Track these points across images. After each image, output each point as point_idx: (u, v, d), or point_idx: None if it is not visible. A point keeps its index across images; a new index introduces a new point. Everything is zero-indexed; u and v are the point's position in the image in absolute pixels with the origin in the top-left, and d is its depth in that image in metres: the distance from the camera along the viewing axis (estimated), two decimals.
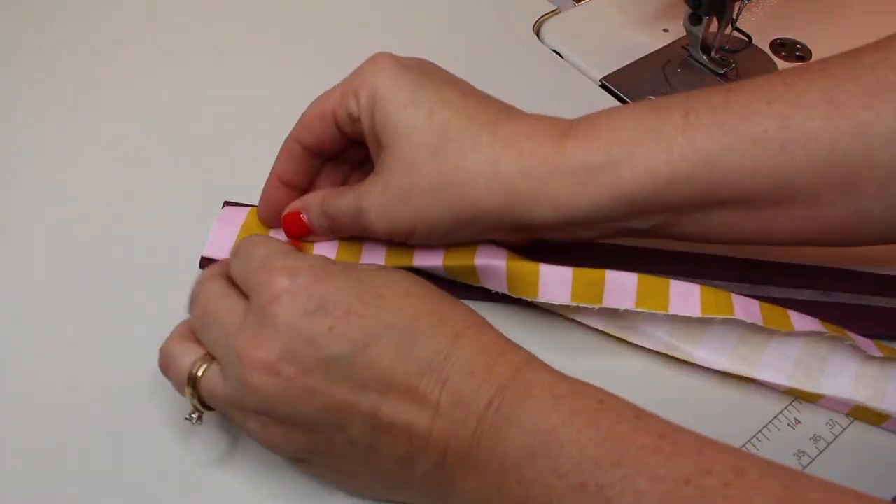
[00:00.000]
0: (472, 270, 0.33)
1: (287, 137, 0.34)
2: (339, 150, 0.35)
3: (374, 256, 0.34)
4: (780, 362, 0.33)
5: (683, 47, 0.50)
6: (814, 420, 0.33)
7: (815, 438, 0.33)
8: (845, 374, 0.33)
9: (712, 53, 0.48)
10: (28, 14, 0.49)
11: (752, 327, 0.33)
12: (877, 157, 0.28)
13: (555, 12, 0.52)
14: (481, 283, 0.34)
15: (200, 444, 0.32)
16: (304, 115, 0.34)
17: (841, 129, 0.28)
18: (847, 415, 0.33)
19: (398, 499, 0.30)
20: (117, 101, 0.45)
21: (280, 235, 0.36)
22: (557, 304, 0.33)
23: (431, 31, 0.50)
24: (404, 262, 0.34)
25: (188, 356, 0.29)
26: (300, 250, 0.34)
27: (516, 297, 0.34)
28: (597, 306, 0.33)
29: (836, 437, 0.33)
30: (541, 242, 0.34)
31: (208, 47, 0.48)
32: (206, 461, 0.32)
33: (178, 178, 0.41)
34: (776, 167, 0.29)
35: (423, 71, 0.32)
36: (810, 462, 0.32)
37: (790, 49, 0.50)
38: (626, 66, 0.49)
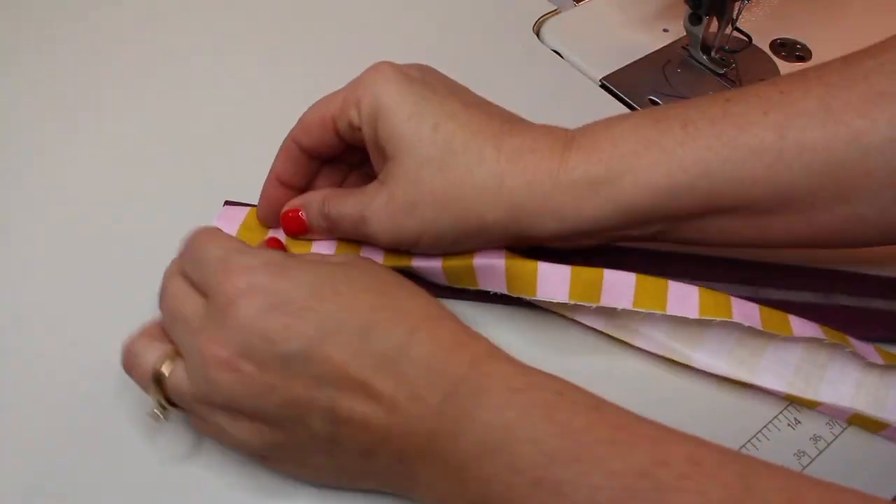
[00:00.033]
0: (471, 270, 0.33)
1: (286, 138, 0.34)
2: (338, 153, 0.35)
3: (374, 257, 0.34)
4: (778, 368, 0.33)
5: (683, 47, 0.50)
6: (814, 420, 0.33)
7: (815, 438, 0.33)
8: (845, 381, 0.32)
9: (712, 53, 0.48)
10: (28, 14, 0.50)
11: (751, 331, 0.33)
12: (871, 164, 0.29)
13: (555, 12, 0.52)
14: (479, 283, 0.34)
15: (204, 446, 0.32)
16: (303, 118, 0.34)
17: (837, 137, 0.29)
18: (846, 422, 0.33)
19: (365, 489, 0.30)
20: (117, 101, 0.45)
21: (279, 235, 0.36)
22: (555, 301, 0.33)
23: (431, 31, 0.50)
24: (403, 262, 0.34)
25: (153, 353, 0.29)
26: (281, 249, 0.35)
27: (515, 296, 0.34)
28: (594, 305, 0.33)
29: (836, 437, 0.33)
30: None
31: (208, 47, 0.48)
32: (205, 460, 0.32)
33: (178, 178, 0.41)
34: (773, 176, 0.29)
35: (426, 81, 0.32)
36: (810, 462, 0.32)
37: (790, 49, 0.50)
38: (626, 66, 0.49)
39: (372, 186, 0.32)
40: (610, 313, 0.34)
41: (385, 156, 0.32)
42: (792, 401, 0.33)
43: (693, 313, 0.32)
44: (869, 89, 0.29)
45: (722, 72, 0.48)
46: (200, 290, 0.29)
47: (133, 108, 0.44)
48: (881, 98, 0.29)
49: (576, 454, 0.24)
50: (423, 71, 0.33)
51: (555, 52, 0.50)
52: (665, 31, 0.51)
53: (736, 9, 0.45)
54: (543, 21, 0.52)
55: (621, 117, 0.32)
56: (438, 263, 0.33)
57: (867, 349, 0.33)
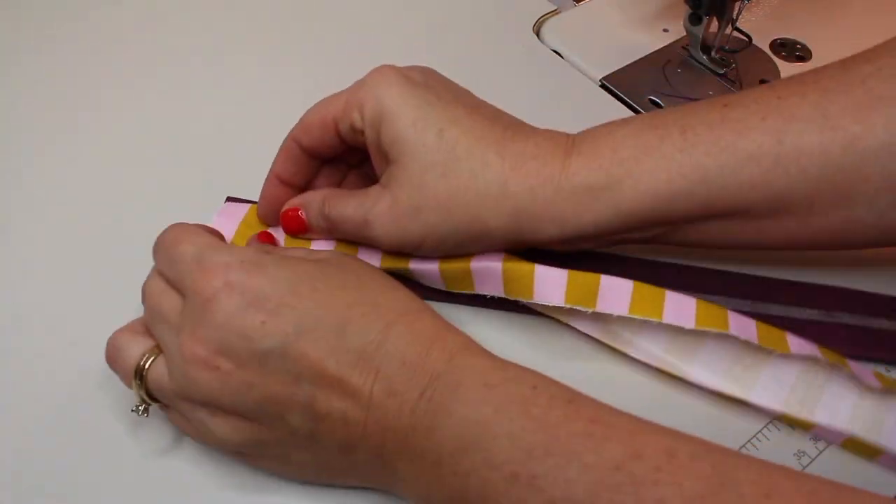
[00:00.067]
0: (468, 272, 0.33)
1: (286, 138, 0.34)
2: (338, 153, 0.35)
3: (371, 258, 0.34)
4: (774, 387, 0.32)
5: (683, 47, 0.50)
6: None
7: (816, 438, 0.33)
8: (842, 404, 0.32)
9: (712, 53, 0.48)
10: (28, 14, 0.50)
11: (748, 348, 0.32)
12: (868, 169, 0.29)
13: (555, 12, 0.52)
14: (476, 286, 0.34)
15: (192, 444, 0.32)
16: (304, 118, 0.34)
17: (833, 142, 0.29)
18: (841, 445, 0.32)
19: (347, 484, 0.30)
20: (117, 100, 0.45)
21: (279, 233, 0.36)
22: (551, 305, 0.33)
23: (431, 31, 0.50)
24: (400, 264, 0.34)
25: (136, 348, 0.29)
26: (272, 243, 0.35)
27: (512, 299, 0.34)
28: (590, 310, 0.32)
29: None
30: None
31: (208, 47, 0.48)
32: (188, 454, 0.32)
33: (178, 178, 0.41)
34: (771, 181, 0.30)
35: (429, 86, 0.32)
36: (810, 462, 0.32)
37: (790, 49, 0.50)
38: (626, 66, 0.49)
39: (374, 189, 0.32)
40: (605, 322, 0.34)
41: (388, 159, 0.32)
42: (786, 421, 0.33)
43: (689, 323, 0.31)
44: (866, 94, 0.29)
45: (722, 72, 0.48)
46: (176, 288, 0.29)
47: (133, 107, 0.44)
48: (878, 102, 0.29)
49: (551, 448, 0.24)
50: (426, 75, 0.33)
51: (555, 52, 0.50)
52: (665, 31, 0.51)
53: (736, 9, 0.45)
54: (543, 21, 0.52)
55: (622, 122, 0.32)
56: (436, 266, 0.33)
57: (865, 373, 0.32)
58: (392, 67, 0.32)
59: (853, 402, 0.32)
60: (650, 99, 0.47)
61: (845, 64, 0.31)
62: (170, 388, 0.28)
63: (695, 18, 0.46)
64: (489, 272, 0.33)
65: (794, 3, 0.53)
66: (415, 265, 0.34)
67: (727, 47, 0.48)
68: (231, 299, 0.27)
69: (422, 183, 0.31)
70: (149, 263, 0.32)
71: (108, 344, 0.30)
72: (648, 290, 0.32)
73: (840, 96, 0.30)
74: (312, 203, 0.34)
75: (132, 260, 0.34)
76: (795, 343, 0.32)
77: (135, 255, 0.36)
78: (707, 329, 0.31)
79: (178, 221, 0.32)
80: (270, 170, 0.35)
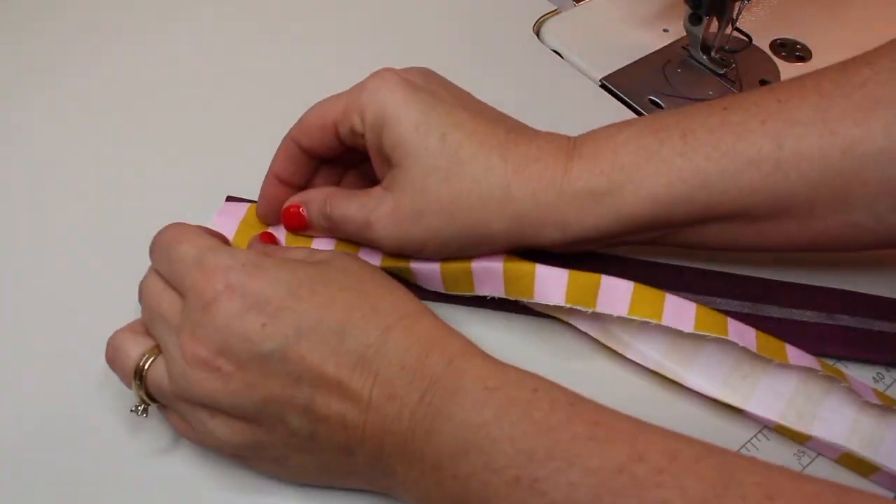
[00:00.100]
0: (469, 272, 0.33)
1: (285, 137, 0.34)
2: (337, 154, 0.35)
3: (372, 257, 0.34)
4: (771, 398, 0.32)
5: (683, 47, 0.50)
6: None
7: (811, 452, 0.33)
8: (840, 419, 0.32)
9: (712, 53, 0.48)
10: (29, 13, 0.50)
11: (747, 357, 0.32)
12: (867, 173, 0.29)
13: (555, 12, 0.52)
14: (476, 286, 0.34)
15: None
16: (303, 119, 0.34)
17: (833, 146, 0.29)
18: (836, 461, 0.32)
19: (346, 487, 0.30)
20: (116, 100, 0.45)
21: (279, 232, 0.36)
22: (551, 304, 0.33)
23: (431, 31, 0.50)
24: (401, 264, 0.34)
25: (136, 348, 0.29)
26: (274, 243, 0.35)
27: (512, 299, 0.34)
28: (590, 310, 0.32)
29: None
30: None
31: (209, 45, 0.48)
32: (187, 455, 0.32)
33: (178, 177, 0.41)
34: (771, 185, 0.30)
35: (430, 90, 0.32)
36: (811, 462, 0.32)
37: (790, 49, 0.50)
38: (626, 66, 0.49)
39: (376, 191, 0.32)
40: (604, 323, 0.34)
41: (390, 163, 0.32)
42: (782, 432, 0.33)
43: (688, 327, 0.31)
44: (865, 98, 0.30)
45: (722, 72, 0.48)
46: (175, 288, 0.29)
47: (132, 106, 0.44)
48: (877, 106, 0.29)
49: (553, 451, 0.24)
50: (427, 78, 0.33)
51: (555, 52, 0.50)
52: (665, 31, 0.51)
53: (736, 9, 0.45)
54: (543, 21, 0.52)
55: (623, 125, 0.33)
56: (437, 265, 0.33)
57: (864, 388, 0.32)
58: (392, 71, 0.32)
59: (852, 417, 0.32)
60: (650, 99, 0.47)
61: (845, 67, 0.31)
62: (170, 388, 0.28)
63: (695, 18, 0.46)
64: (490, 272, 0.33)
65: (794, 3, 0.53)
66: (415, 264, 0.34)
67: (727, 47, 0.48)
68: (232, 302, 0.27)
69: (425, 187, 0.31)
70: (148, 263, 0.32)
71: (107, 344, 0.30)
72: (649, 291, 0.32)
73: (839, 100, 0.30)
74: (314, 201, 0.34)
75: (132, 259, 0.34)
76: (794, 354, 0.32)
77: (135, 254, 0.36)
78: (705, 333, 0.31)
79: (177, 221, 0.32)
80: (269, 169, 0.35)
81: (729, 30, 0.47)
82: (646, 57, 0.49)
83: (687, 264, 0.37)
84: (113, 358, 0.30)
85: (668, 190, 0.31)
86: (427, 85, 0.32)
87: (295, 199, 0.35)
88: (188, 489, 0.31)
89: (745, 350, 0.32)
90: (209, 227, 0.36)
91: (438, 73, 0.34)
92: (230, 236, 0.36)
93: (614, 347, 0.34)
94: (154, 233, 0.32)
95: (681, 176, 0.30)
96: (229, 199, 0.38)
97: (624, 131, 0.32)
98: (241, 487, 0.31)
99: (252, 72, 0.47)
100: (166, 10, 0.50)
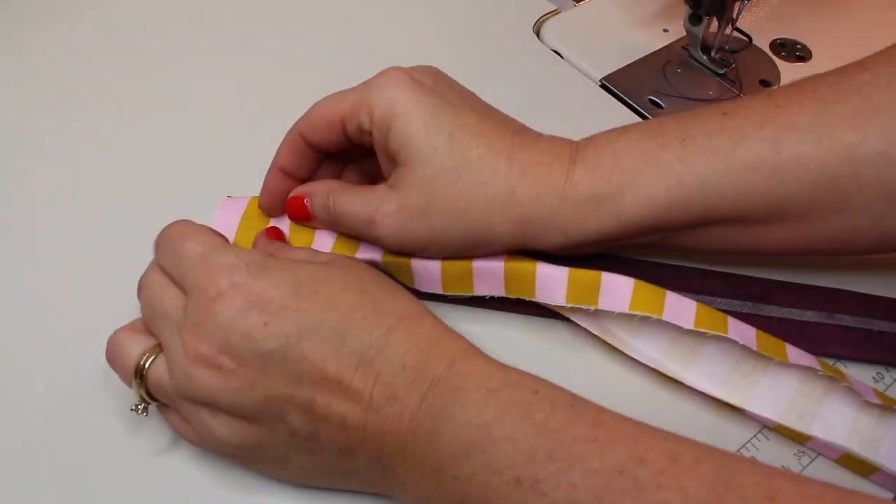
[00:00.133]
0: (469, 271, 0.33)
1: (290, 130, 0.34)
2: (342, 149, 0.35)
3: (372, 252, 0.34)
4: (771, 398, 0.32)
5: (683, 47, 0.50)
6: None
7: (811, 452, 0.33)
8: (840, 419, 0.32)
9: (712, 53, 0.48)
10: (29, 14, 0.50)
11: (747, 357, 0.32)
12: (863, 177, 0.30)
13: (555, 12, 0.52)
14: (476, 285, 0.34)
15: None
16: (310, 114, 0.34)
17: (830, 151, 0.30)
18: (835, 461, 0.32)
19: (347, 488, 0.30)
20: (116, 100, 0.45)
21: (282, 224, 0.36)
22: (553, 304, 0.33)
23: (431, 31, 0.50)
24: (401, 260, 0.34)
25: (137, 347, 0.30)
26: (281, 239, 0.35)
27: (513, 298, 0.34)
28: (592, 307, 0.33)
29: None
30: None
31: (210, 44, 0.48)
32: (188, 453, 0.32)
33: (178, 177, 0.41)
34: (768, 190, 0.31)
35: (438, 90, 0.32)
36: (811, 462, 0.32)
37: (790, 49, 0.50)
38: (626, 66, 0.49)
39: (381, 189, 0.33)
40: (604, 321, 0.34)
41: (396, 161, 0.32)
42: (782, 432, 0.33)
43: (688, 323, 0.32)
44: (863, 103, 0.30)
45: (722, 72, 0.48)
46: (179, 285, 0.30)
47: (132, 106, 0.44)
48: (874, 112, 0.30)
49: (554, 453, 0.24)
50: (435, 78, 0.33)
51: (555, 52, 0.50)
52: (665, 31, 0.51)
53: (736, 9, 0.45)
54: (543, 21, 0.52)
55: (624, 130, 0.33)
56: (437, 263, 0.33)
57: (865, 388, 0.32)
58: (401, 70, 0.32)
59: (852, 417, 0.32)
60: (650, 99, 0.47)
61: (843, 72, 0.31)
62: (171, 386, 0.29)
63: (695, 18, 0.46)
64: (490, 271, 0.33)
65: (794, 3, 0.53)
66: (416, 261, 0.34)
67: (727, 47, 0.48)
68: (235, 300, 0.27)
69: (431, 187, 0.31)
70: (149, 262, 0.32)
71: (108, 342, 0.30)
72: (649, 288, 0.33)
73: (837, 105, 0.30)
74: (318, 194, 0.34)
75: (132, 258, 0.34)
76: (794, 354, 0.32)
77: (135, 253, 0.36)
78: (705, 331, 0.31)
79: (183, 220, 0.32)
80: (273, 162, 0.35)
81: (729, 30, 0.47)
82: (646, 57, 0.49)
83: (687, 264, 0.37)
84: (113, 357, 0.30)
85: (668, 194, 0.31)
86: (436, 85, 0.32)
87: (299, 189, 0.35)
88: (188, 489, 0.31)
89: (745, 349, 0.32)
90: (212, 221, 0.36)
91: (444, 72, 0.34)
92: (233, 230, 0.36)
93: (614, 345, 0.34)
94: (154, 231, 0.32)
95: (679, 181, 0.31)
96: (229, 198, 0.38)
97: (625, 136, 0.32)
98: (241, 487, 0.31)
99: (252, 71, 0.47)
100: (167, 9, 0.50)
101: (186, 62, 0.47)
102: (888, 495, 0.31)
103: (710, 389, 0.33)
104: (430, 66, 0.34)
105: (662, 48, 0.50)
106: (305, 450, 0.28)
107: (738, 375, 0.33)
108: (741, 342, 0.31)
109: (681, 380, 0.33)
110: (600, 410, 0.26)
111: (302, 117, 0.34)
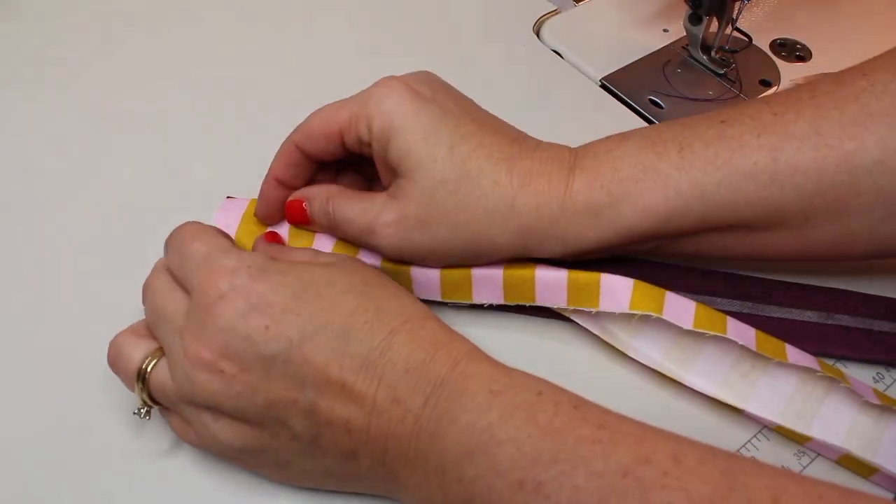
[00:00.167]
0: (468, 279, 0.33)
1: (286, 141, 0.34)
2: (338, 159, 0.35)
3: (371, 259, 0.34)
4: (771, 398, 0.32)
5: (683, 47, 0.50)
6: None
7: (811, 453, 0.33)
8: (839, 420, 0.32)
9: (712, 53, 0.48)
10: (29, 14, 0.50)
11: (747, 357, 0.32)
12: (861, 185, 0.30)
13: (555, 12, 0.52)
14: (475, 293, 0.34)
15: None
16: (307, 126, 0.34)
17: (827, 159, 0.30)
18: (836, 462, 0.32)
19: (349, 490, 0.30)
20: (117, 101, 0.45)
21: (281, 230, 0.36)
22: (554, 307, 0.33)
23: (431, 31, 0.50)
24: (400, 268, 0.34)
25: (139, 351, 0.30)
26: (279, 243, 0.35)
27: (513, 304, 0.34)
28: (594, 310, 0.33)
29: None
30: None
31: (210, 44, 0.48)
32: (190, 456, 0.32)
33: (178, 179, 0.41)
34: (766, 198, 0.31)
35: (437, 100, 0.32)
36: (810, 462, 0.32)
37: (790, 49, 0.50)
38: (626, 66, 0.49)
39: (381, 198, 0.33)
40: (605, 322, 0.34)
41: (396, 173, 0.32)
42: (782, 433, 0.33)
43: (687, 323, 0.32)
44: (860, 111, 0.30)
45: (722, 72, 0.48)
46: (183, 285, 0.30)
47: (133, 107, 0.44)
48: (870, 120, 0.30)
49: (557, 455, 0.24)
50: (432, 87, 0.33)
51: (555, 52, 0.50)
52: (665, 31, 0.51)
53: (736, 9, 0.45)
54: (543, 21, 0.52)
55: (622, 137, 0.33)
56: (436, 272, 0.34)
57: (865, 388, 0.32)
58: (399, 80, 0.32)
59: (852, 417, 0.32)
60: (650, 99, 0.47)
61: (841, 78, 0.32)
62: (172, 390, 0.29)
63: (695, 18, 0.46)
64: (489, 278, 0.33)
65: (794, 3, 0.53)
66: (415, 269, 0.34)
67: (727, 47, 0.48)
68: (235, 304, 0.27)
69: (431, 198, 0.31)
70: (149, 264, 0.32)
71: (109, 347, 0.30)
72: (649, 288, 0.33)
73: (834, 112, 0.30)
74: (317, 198, 0.34)
75: (133, 261, 0.34)
76: (794, 354, 0.32)
77: (136, 256, 0.36)
78: (704, 331, 0.31)
79: (174, 221, 0.32)
80: (269, 171, 0.35)
81: (729, 30, 0.47)
82: (646, 57, 0.49)
83: (686, 264, 0.37)
84: (115, 361, 0.30)
85: (666, 203, 0.31)
86: (434, 94, 0.32)
87: (299, 193, 0.35)
88: (189, 491, 0.31)
89: (744, 349, 0.32)
90: (211, 223, 0.36)
91: (439, 72, 0.34)
92: (232, 232, 0.36)
93: (614, 345, 0.34)
94: (154, 234, 0.32)
95: (678, 189, 0.31)
96: (229, 199, 0.38)
97: (623, 145, 0.32)
98: (243, 490, 0.31)
99: (252, 71, 0.47)
100: (167, 10, 0.50)
101: (187, 63, 0.47)
102: (888, 496, 0.31)
103: (709, 389, 0.33)
104: (427, 73, 0.34)
105: (662, 48, 0.50)
106: (308, 453, 0.28)
107: (737, 375, 0.33)
108: (740, 342, 0.31)
109: (680, 380, 0.33)
110: (604, 412, 0.26)
111: (298, 128, 0.34)
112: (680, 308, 0.32)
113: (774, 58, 0.50)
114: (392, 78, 0.32)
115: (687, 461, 0.24)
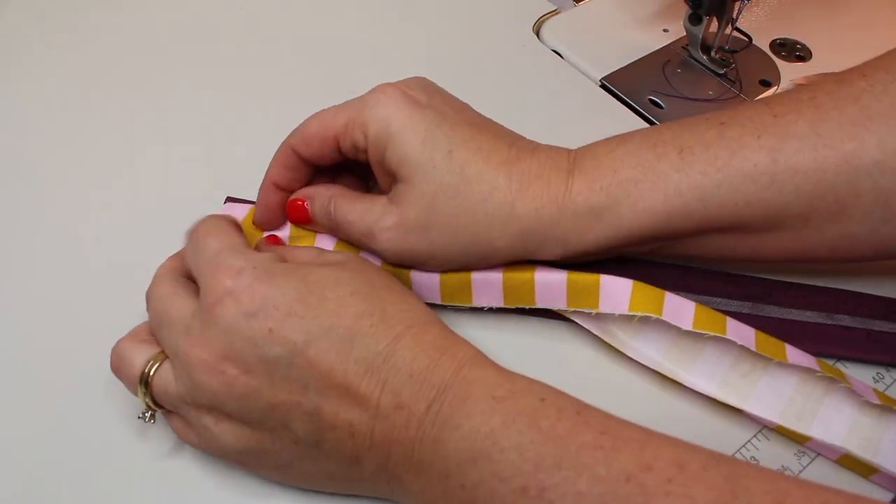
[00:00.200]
0: (468, 282, 0.33)
1: (282, 145, 0.34)
2: (335, 163, 0.35)
3: (372, 261, 0.34)
4: (771, 398, 0.32)
5: (683, 47, 0.50)
6: None
7: (810, 453, 0.33)
8: (839, 420, 0.32)
9: (712, 53, 0.48)
10: (29, 14, 0.50)
11: (746, 356, 0.32)
12: (861, 186, 0.30)
13: (555, 12, 0.52)
14: (475, 297, 0.34)
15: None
16: (303, 130, 0.34)
17: (827, 160, 0.30)
18: (835, 462, 0.32)
19: (351, 493, 0.30)
20: (117, 102, 0.45)
21: (280, 233, 0.36)
22: (555, 309, 0.33)
23: (431, 31, 0.50)
24: (400, 271, 0.34)
25: (141, 356, 0.29)
26: (278, 244, 0.35)
27: (513, 307, 0.34)
28: (594, 311, 0.33)
29: None
30: None
31: (210, 45, 0.48)
32: (194, 458, 0.32)
33: (177, 180, 0.41)
34: (766, 199, 0.31)
35: (433, 106, 0.32)
36: (811, 462, 0.32)
37: (790, 49, 0.50)
38: (626, 66, 0.49)
39: (381, 202, 0.33)
40: (604, 323, 0.34)
41: (395, 178, 0.32)
42: (781, 433, 0.32)
43: (687, 324, 0.32)
44: (860, 112, 0.30)
45: (722, 72, 0.48)
46: (195, 279, 0.30)
47: (133, 108, 0.44)
48: (870, 121, 0.30)
49: (560, 460, 0.24)
50: (428, 92, 0.33)
51: (555, 52, 0.50)
52: (665, 31, 0.51)
53: (736, 9, 0.45)
54: (543, 21, 0.52)
55: (622, 139, 0.33)
56: (436, 275, 0.34)
57: (865, 388, 0.32)
58: (394, 87, 0.32)
59: (852, 417, 0.32)
60: (650, 99, 0.47)
61: (841, 78, 0.32)
62: (176, 392, 0.28)
63: (695, 18, 0.46)
64: (489, 282, 0.33)
65: (794, 3, 0.53)
66: (415, 273, 0.34)
67: (727, 47, 0.48)
68: (237, 305, 0.27)
69: (431, 203, 0.31)
70: (149, 263, 0.32)
71: (112, 353, 0.30)
72: (648, 289, 0.33)
73: (834, 114, 0.30)
74: (319, 198, 0.34)
75: (133, 260, 0.34)
76: (794, 354, 0.32)
77: (135, 255, 0.36)
78: (704, 332, 0.31)
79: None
80: (266, 176, 0.35)
81: (729, 30, 0.47)
82: (646, 57, 0.49)
83: (686, 264, 0.37)
84: (118, 366, 0.30)
85: (666, 205, 0.31)
86: (430, 100, 0.32)
87: (301, 192, 0.35)
88: (191, 492, 0.31)
89: (744, 349, 0.32)
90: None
91: (439, 73, 0.34)
92: None
93: (614, 345, 0.34)
94: (154, 236, 0.32)
95: (678, 191, 0.31)
96: (229, 199, 0.38)
97: (622, 146, 0.32)
98: (244, 491, 0.31)
99: (252, 71, 0.47)
100: (167, 9, 0.50)
101: (186, 64, 0.47)
102: (888, 495, 0.31)
103: (709, 390, 0.33)
104: (422, 79, 0.34)
105: (662, 48, 0.50)
106: (310, 456, 0.28)
107: (737, 376, 0.33)
108: (739, 343, 0.31)
109: (680, 380, 0.33)
110: (607, 417, 0.26)
111: (294, 132, 0.34)
112: (679, 309, 0.32)
113: (774, 58, 0.50)
114: (388, 84, 0.32)
115: (690, 467, 0.24)
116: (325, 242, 0.35)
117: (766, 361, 0.32)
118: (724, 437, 0.33)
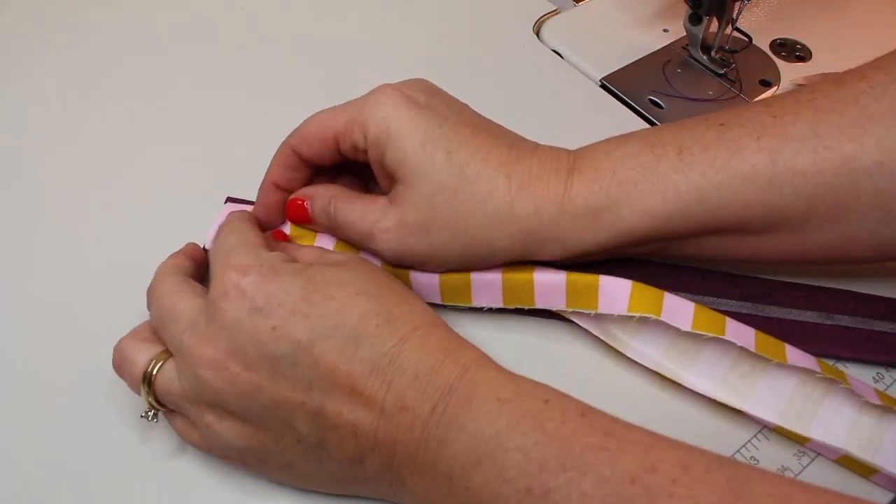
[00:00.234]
0: (468, 283, 0.33)
1: (282, 145, 0.34)
2: (335, 163, 0.35)
3: (373, 257, 0.34)
4: (771, 398, 0.32)
5: (683, 47, 0.50)
6: None
7: (810, 453, 0.33)
8: (839, 420, 0.32)
9: (712, 53, 0.48)
10: (29, 14, 0.50)
11: (746, 356, 0.32)
12: (860, 187, 0.30)
13: (555, 12, 0.52)
14: (474, 297, 0.34)
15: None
16: (303, 130, 0.34)
17: (826, 161, 0.30)
18: (835, 462, 0.32)
19: (352, 494, 0.30)
20: (118, 102, 0.45)
21: (284, 227, 0.36)
22: (554, 309, 0.33)
23: (431, 31, 0.50)
24: (400, 271, 0.34)
25: (143, 355, 0.30)
26: (286, 240, 0.35)
27: (513, 308, 0.34)
28: (593, 312, 0.33)
29: None
30: None
31: (211, 45, 0.48)
32: (196, 458, 0.32)
33: (177, 180, 0.41)
34: (765, 200, 0.31)
35: (432, 107, 0.32)
36: (810, 462, 0.32)
37: (790, 49, 0.50)
38: (626, 66, 0.49)
39: (381, 203, 0.33)
40: (604, 323, 0.34)
41: (395, 179, 0.32)
42: (781, 433, 0.32)
43: (686, 325, 0.32)
44: (859, 113, 0.30)
45: (722, 72, 0.48)
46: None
47: (133, 109, 0.44)
48: (869, 122, 0.30)
49: (564, 462, 0.24)
50: (427, 93, 0.33)
51: (555, 52, 0.50)
52: (665, 31, 0.51)
53: (736, 9, 0.45)
54: (543, 21, 0.52)
55: (621, 140, 0.33)
56: (436, 276, 0.34)
57: (865, 388, 0.32)
58: (394, 88, 0.32)
59: (852, 418, 0.32)
60: (650, 99, 0.47)
61: (841, 80, 0.32)
62: (178, 390, 0.28)
63: (695, 18, 0.46)
64: (489, 282, 0.33)
65: (794, 3, 0.53)
66: (415, 273, 0.34)
67: (727, 47, 0.48)
68: (242, 301, 0.27)
69: (430, 204, 0.31)
70: (149, 263, 0.32)
71: (114, 352, 0.30)
72: (647, 290, 0.33)
73: (833, 115, 0.30)
74: (319, 197, 0.34)
75: (132, 260, 0.34)
76: (794, 355, 0.32)
77: (135, 255, 0.36)
78: (703, 333, 0.31)
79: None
80: (266, 176, 0.35)
81: (729, 30, 0.47)
82: (646, 57, 0.49)
83: (686, 264, 0.37)
84: (120, 365, 0.30)
85: (665, 206, 0.31)
86: (429, 101, 0.32)
87: (301, 191, 0.35)
88: (191, 492, 0.31)
89: (743, 349, 0.32)
90: (212, 227, 0.35)
91: (439, 73, 0.34)
92: None
93: (614, 346, 0.34)
94: (154, 236, 0.32)
95: (677, 192, 0.31)
96: (229, 199, 0.38)
97: (622, 147, 0.32)
98: (246, 492, 0.31)
99: (252, 71, 0.47)
100: (167, 9, 0.50)
101: (186, 64, 0.47)
102: (889, 496, 0.31)
103: (709, 390, 0.33)
104: (421, 80, 0.34)
105: (662, 48, 0.50)
106: (312, 456, 0.28)
107: (736, 376, 0.33)
108: (739, 343, 0.31)
109: (680, 380, 0.33)
110: (611, 419, 0.26)
111: (294, 132, 0.34)
112: (678, 309, 0.32)
113: (774, 58, 0.50)
114: (387, 86, 0.33)
115: (694, 470, 0.24)
116: (325, 242, 0.35)
117: (766, 362, 0.32)
118: (723, 437, 0.33)
